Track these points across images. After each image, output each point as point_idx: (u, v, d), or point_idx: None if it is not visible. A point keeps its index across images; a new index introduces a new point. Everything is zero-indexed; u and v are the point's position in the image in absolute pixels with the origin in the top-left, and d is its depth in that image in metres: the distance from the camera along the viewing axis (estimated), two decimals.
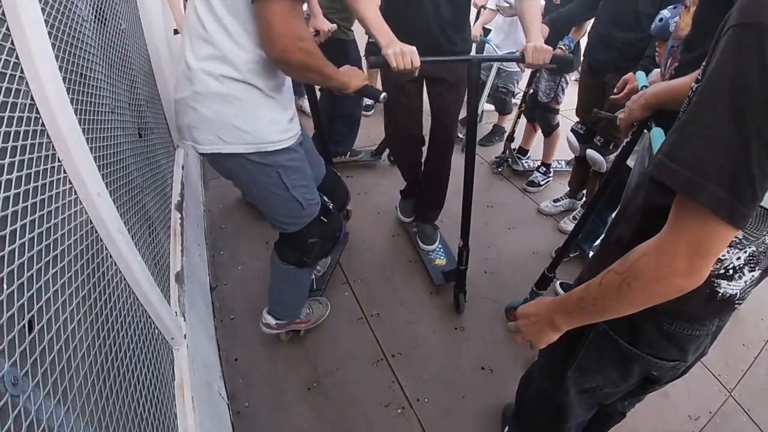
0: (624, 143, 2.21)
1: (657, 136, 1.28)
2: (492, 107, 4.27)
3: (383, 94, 1.64)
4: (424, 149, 2.73)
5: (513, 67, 3.86)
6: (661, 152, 0.73)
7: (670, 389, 2.01)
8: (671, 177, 0.70)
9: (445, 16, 2.10)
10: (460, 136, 4.07)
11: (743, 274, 0.90)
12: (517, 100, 3.98)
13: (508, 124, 4.03)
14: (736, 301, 0.95)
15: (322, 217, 1.79)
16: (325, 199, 1.89)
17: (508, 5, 3.48)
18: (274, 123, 1.51)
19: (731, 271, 0.89)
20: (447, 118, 2.48)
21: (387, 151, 3.67)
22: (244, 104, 1.43)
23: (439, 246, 2.88)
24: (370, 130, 4.06)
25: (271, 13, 1.22)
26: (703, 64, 0.77)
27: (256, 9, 1.25)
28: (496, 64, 3.86)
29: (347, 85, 1.61)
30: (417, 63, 1.73)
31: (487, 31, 4.04)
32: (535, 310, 1.05)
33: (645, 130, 1.54)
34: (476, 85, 1.99)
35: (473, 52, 2.33)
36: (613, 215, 1.13)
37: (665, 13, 2.00)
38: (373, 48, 2.74)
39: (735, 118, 0.64)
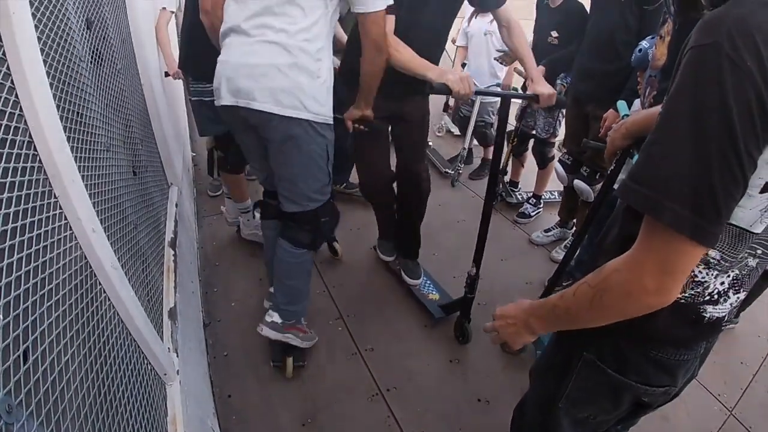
0: (609, 172, 2.27)
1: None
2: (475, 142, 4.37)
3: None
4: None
5: (487, 98, 3.98)
6: (627, 174, 0.75)
7: (669, 412, 2.01)
8: (634, 198, 0.73)
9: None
10: (449, 171, 4.14)
11: (728, 297, 0.90)
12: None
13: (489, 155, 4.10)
14: (724, 323, 0.95)
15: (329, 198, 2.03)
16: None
17: (502, 53, 3.57)
18: (331, 99, 1.84)
19: (716, 296, 0.89)
20: (415, 157, 2.56)
21: None
22: (325, 82, 1.78)
23: (425, 279, 2.89)
24: None
25: (383, 21, 1.72)
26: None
27: (371, 16, 1.69)
28: (478, 99, 3.95)
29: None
30: (472, 89, 1.88)
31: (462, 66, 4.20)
32: (513, 313, 1.07)
33: (628, 158, 1.58)
34: (505, 122, 2.10)
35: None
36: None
37: (644, 43, 2.09)
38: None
39: (695, 137, 0.66)
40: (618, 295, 0.79)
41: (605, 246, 1.04)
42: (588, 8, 2.80)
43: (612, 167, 1.73)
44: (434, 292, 2.81)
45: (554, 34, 3.16)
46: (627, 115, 1.62)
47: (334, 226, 2.16)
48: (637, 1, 2.34)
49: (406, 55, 1.91)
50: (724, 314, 0.93)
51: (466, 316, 2.46)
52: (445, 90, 1.86)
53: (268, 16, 1.68)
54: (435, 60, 2.21)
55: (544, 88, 2.02)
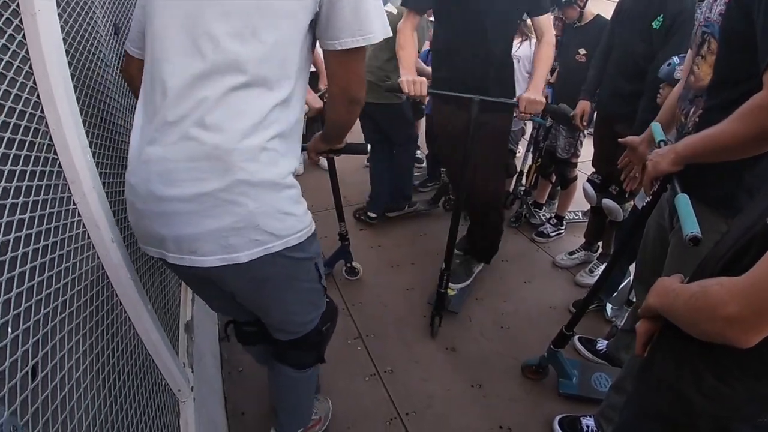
0: (640, 195, 2.19)
1: (683, 205, 1.22)
2: None
3: (368, 146, 1.70)
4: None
5: (514, 125, 3.93)
6: None
7: None
8: None
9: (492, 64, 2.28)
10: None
11: None
12: (520, 156, 4.05)
13: (511, 186, 4.02)
14: None
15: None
16: None
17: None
18: (303, 199, 1.24)
19: None
20: (485, 166, 2.48)
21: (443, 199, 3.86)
22: (292, 180, 1.17)
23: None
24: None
25: (362, 57, 1.15)
26: None
27: (349, 52, 1.10)
28: None
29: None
30: (424, 92, 2.04)
31: None
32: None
33: (668, 186, 1.50)
34: (475, 124, 2.11)
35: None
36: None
37: (675, 59, 2.13)
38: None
39: None
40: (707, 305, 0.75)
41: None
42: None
43: (648, 199, 1.64)
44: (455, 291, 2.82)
45: (582, 51, 3.13)
46: (663, 141, 1.54)
47: (334, 326, 1.67)
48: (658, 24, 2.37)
49: (400, 54, 2.19)
50: None
51: (437, 310, 2.56)
52: (397, 88, 2.06)
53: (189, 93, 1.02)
54: (490, 76, 2.28)
55: (528, 94, 2.01)
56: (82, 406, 0.83)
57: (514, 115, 2.10)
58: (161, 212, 1.06)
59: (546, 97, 2.03)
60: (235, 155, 1.02)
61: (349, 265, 2.99)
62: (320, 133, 1.64)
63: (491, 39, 2.22)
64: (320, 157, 1.72)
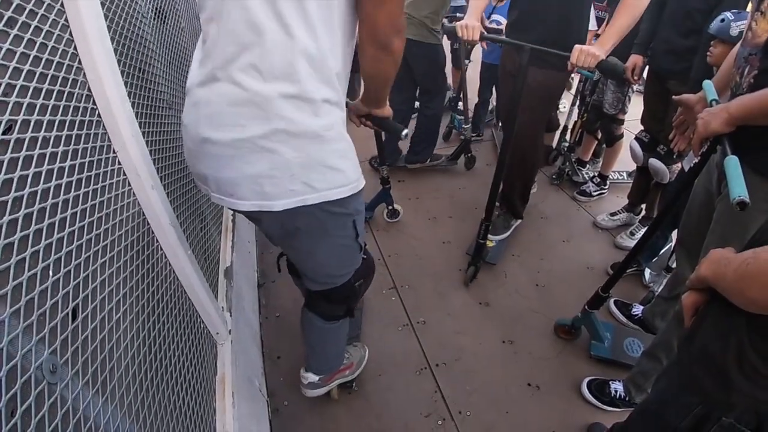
0: (688, 157, 2.10)
1: (733, 167, 1.15)
2: None
3: (405, 131, 1.59)
4: None
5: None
6: None
7: None
8: None
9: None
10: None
11: None
12: (564, 111, 3.88)
13: (554, 141, 3.91)
14: None
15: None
16: None
17: None
18: (354, 155, 1.25)
19: None
20: (528, 111, 2.42)
21: (462, 156, 3.75)
22: (339, 133, 1.16)
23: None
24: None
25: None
26: None
27: None
28: None
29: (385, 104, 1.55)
30: (476, 37, 2.12)
31: None
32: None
33: (718, 147, 1.43)
34: (523, 70, 2.08)
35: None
36: None
37: (728, 14, 2.04)
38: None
39: None
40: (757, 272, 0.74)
41: None
42: None
43: (696, 159, 1.57)
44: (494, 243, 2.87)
45: None
46: (715, 100, 1.46)
47: (369, 283, 1.69)
48: None
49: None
50: None
51: (475, 261, 2.62)
52: (452, 30, 2.19)
53: (233, 48, 1.03)
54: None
55: (588, 46, 1.87)
56: (121, 347, 0.88)
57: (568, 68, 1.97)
58: (205, 153, 1.12)
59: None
60: (274, 103, 1.03)
61: (390, 207, 3.03)
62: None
63: None
64: (359, 121, 1.65)
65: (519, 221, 3.04)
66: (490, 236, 2.79)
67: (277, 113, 1.03)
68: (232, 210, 1.21)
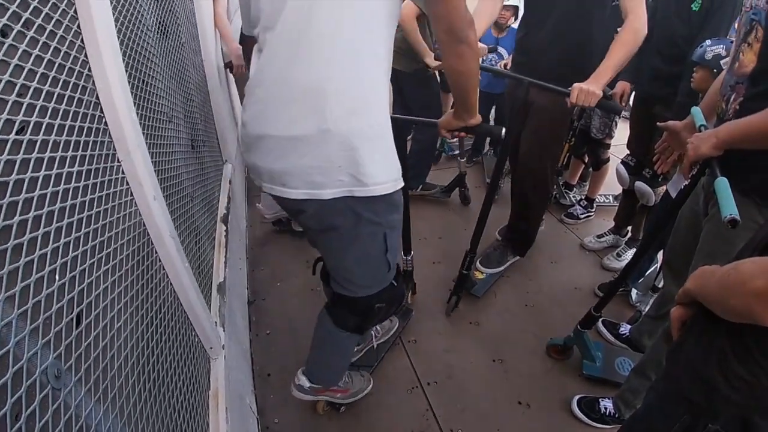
0: (672, 180, 2.15)
1: (723, 188, 1.21)
2: None
3: (503, 130, 1.62)
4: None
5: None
6: None
7: None
8: None
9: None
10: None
11: None
12: None
13: None
14: None
15: (393, 281, 1.61)
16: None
17: None
18: (395, 154, 1.34)
19: None
20: (533, 145, 2.46)
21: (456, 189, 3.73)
22: (384, 132, 1.28)
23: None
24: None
25: None
26: None
27: None
28: None
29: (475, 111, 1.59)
30: None
31: None
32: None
33: (707, 170, 1.47)
34: (521, 104, 2.10)
35: None
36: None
37: (707, 41, 2.12)
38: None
39: None
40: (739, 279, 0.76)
41: None
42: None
43: (688, 180, 1.61)
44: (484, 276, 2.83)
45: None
46: (704, 125, 1.51)
47: (391, 314, 1.75)
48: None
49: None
50: None
51: (457, 291, 2.53)
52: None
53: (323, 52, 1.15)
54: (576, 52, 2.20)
55: (586, 83, 1.86)
56: (121, 356, 0.87)
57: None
58: (259, 147, 1.27)
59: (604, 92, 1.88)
60: (325, 101, 1.14)
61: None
62: (451, 110, 1.67)
63: (564, 18, 2.14)
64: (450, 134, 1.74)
65: (517, 258, 2.99)
66: (482, 268, 2.81)
67: (329, 111, 1.15)
68: (283, 198, 1.29)
